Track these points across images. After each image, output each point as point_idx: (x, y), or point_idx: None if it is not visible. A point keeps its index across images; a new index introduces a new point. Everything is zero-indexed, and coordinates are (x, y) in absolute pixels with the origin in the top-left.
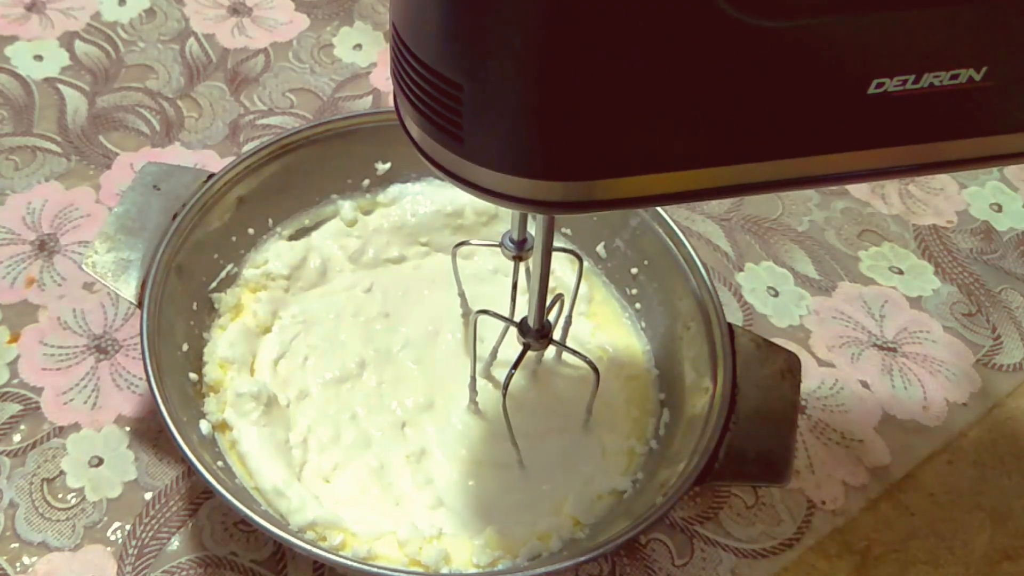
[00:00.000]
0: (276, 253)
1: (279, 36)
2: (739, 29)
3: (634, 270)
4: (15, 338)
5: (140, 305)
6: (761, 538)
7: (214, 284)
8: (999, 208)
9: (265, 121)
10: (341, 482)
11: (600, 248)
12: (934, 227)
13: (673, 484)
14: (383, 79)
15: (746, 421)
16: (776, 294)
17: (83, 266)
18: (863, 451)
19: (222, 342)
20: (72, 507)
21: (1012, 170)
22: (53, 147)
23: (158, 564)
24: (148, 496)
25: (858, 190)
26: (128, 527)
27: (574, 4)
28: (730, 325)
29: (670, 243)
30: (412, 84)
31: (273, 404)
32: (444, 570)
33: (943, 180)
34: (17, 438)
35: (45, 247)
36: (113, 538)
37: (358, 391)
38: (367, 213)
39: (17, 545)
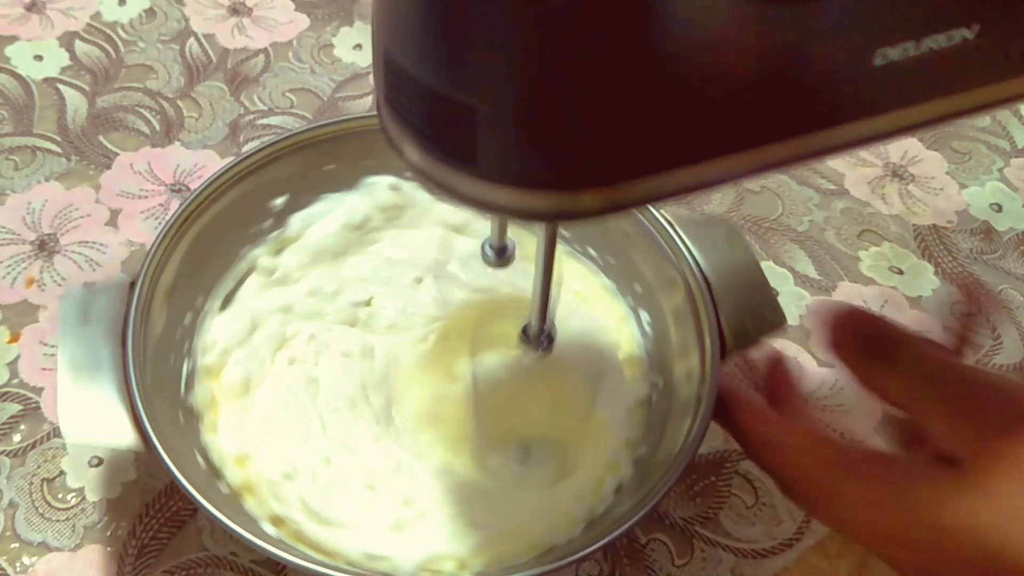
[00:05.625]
0: (219, 329)
1: (279, 36)
2: (762, 13)
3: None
4: (15, 338)
5: (147, 443)
6: (761, 538)
7: (183, 390)
8: (999, 208)
9: (265, 121)
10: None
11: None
12: (934, 227)
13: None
14: None
15: (727, 310)
16: (776, 294)
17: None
18: None
19: (222, 444)
20: (72, 507)
21: (1012, 170)
22: (53, 147)
23: (158, 564)
24: (148, 496)
25: (858, 190)
26: (128, 527)
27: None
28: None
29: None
30: (417, 110)
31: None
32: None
33: (943, 180)
34: (17, 438)
35: (45, 247)
36: (113, 538)
37: (356, 421)
38: (278, 253)
39: (17, 545)
